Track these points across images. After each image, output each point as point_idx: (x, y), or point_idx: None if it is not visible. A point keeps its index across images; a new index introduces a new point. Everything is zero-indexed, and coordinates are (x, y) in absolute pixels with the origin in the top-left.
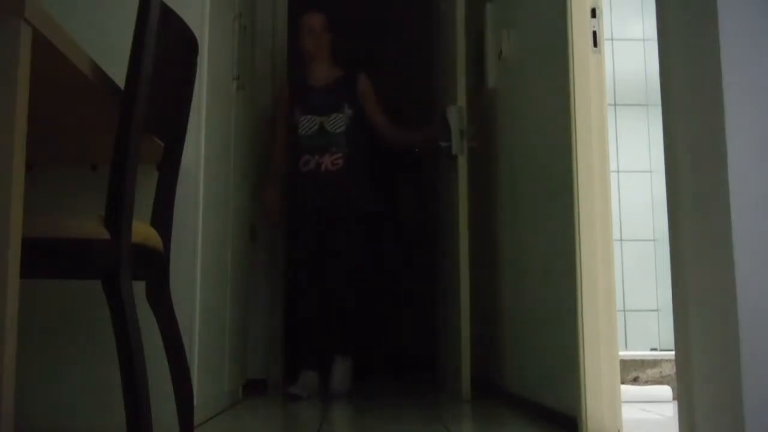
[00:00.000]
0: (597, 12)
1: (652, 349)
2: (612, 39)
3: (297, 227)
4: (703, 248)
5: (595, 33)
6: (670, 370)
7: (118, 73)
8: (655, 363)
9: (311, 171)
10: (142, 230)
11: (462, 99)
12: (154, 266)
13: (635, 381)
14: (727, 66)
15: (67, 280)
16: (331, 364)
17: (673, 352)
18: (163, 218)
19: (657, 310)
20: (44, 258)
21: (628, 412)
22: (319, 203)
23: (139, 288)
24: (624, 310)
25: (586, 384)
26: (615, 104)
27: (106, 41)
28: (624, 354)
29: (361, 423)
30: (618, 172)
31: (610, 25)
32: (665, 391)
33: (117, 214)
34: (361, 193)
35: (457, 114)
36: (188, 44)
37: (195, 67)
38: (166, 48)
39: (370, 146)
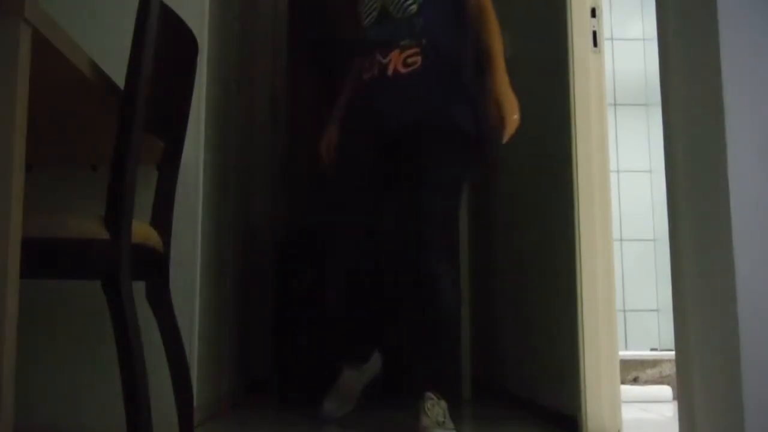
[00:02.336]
0: (597, 12)
1: (652, 349)
2: (612, 39)
3: (344, 166)
4: (703, 248)
5: (595, 33)
6: (670, 370)
7: (118, 73)
8: (655, 363)
9: (374, 79)
10: (142, 230)
11: None
12: (154, 266)
13: (635, 381)
14: (727, 66)
15: (67, 280)
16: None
17: (673, 352)
18: (163, 218)
19: (657, 310)
20: (44, 258)
21: (628, 412)
22: (385, 123)
23: (139, 288)
24: (624, 310)
25: (586, 384)
26: (615, 104)
27: (106, 41)
28: (624, 354)
29: (362, 423)
30: (618, 172)
31: (610, 25)
32: (665, 391)
33: (117, 214)
34: (454, 104)
35: None
36: (188, 44)
37: (195, 67)
38: (166, 48)
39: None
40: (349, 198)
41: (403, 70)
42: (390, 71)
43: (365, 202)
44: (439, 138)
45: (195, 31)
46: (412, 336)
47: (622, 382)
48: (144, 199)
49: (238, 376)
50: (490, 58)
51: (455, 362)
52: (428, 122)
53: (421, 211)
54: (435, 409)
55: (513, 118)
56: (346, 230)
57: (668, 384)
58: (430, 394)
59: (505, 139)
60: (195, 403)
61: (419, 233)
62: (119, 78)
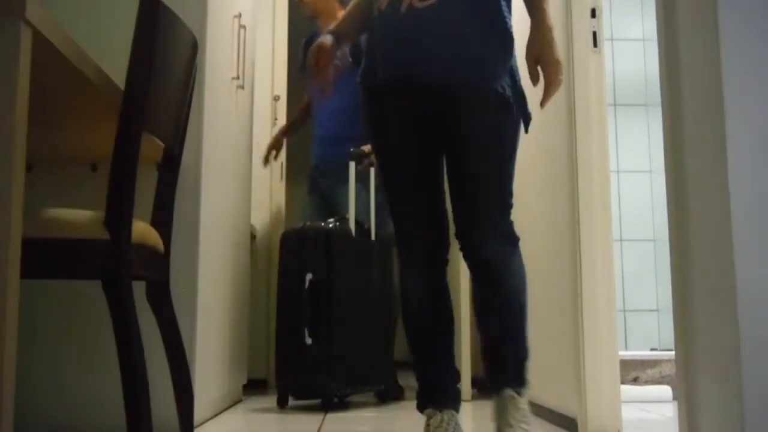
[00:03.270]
0: (597, 12)
1: (652, 349)
2: (612, 39)
3: (380, 126)
4: (703, 248)
5: (595, 33)
6: (670, 370)
7: (118, 73)
8: (655, 363)
9: (383, 16)
10: (142, 230)
11: None
12: (154, 266)
13: (635, 381)
14: (727, 66)
15: (67, 280)
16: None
17: (673, 352)
18: (163, 218)
19: (657, 310)
20: (44, 258)
21: (628, 412)
22: (403, 71)
23: (139, 288)
24: (624, 310)
25: (586, 384)
26: (615, 104)
27: (106, 41)
28: (624, 354)
29: (361, 422)
30: (618, 172)
31: (610, 25)
32: (665, 391)
33: (117, 214)
34: (484, 53)
35: None
36: (188, 44)
37: (195, 67)
38: (165, 48)
39: None
40: (393, 158)
41: (418, 4)
42: (403, 7)
43: (419, 178)
44: (473, 100)
45: (195, 31)
46: (485, 329)
47: (622, 382)
48: (144, 199)
49: (238, 376)
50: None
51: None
52: (454, 78)
53: (470, 192)
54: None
55: (557, 79)
56: (413, 217)
57: (668, 384)
58: (510, 392)
59: (545, 104)
60: (195, 403)
61: (473, 216)
62: (119, 78)
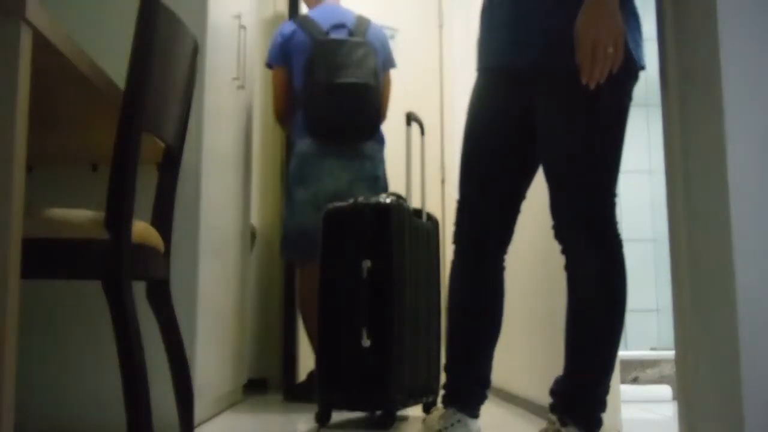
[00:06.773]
0: None
1: (652, 349)
2: None
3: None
4: (703, 248)
5: None
6: (670, 370)
7: (118, 73)
8: (655, 363)
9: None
10: (142, 230)
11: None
12: (154, 266)
13: (635, 381)
14: (727, 66)
15: (67, 280)
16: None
17: (673, 352)
18: (163, 218)
19: (657, 310)
20: (44, 258)
21: (628, 412)
22: (499, 57)
23: (139, 288)
24: None
25: None
26: None
27: (106, 41)
28: (624, 354)
29: (360, 422)
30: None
31: None
32: (665, 391)
33: (117, 214)
34: (561, 27)
35: None
36: (188, 45)
37: (195, 67)
38: (165, 48)
39: None
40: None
41: None
42: None
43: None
44: (548, 73)
45: (195, 31)
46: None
47: (622, 382)
48: (144, 199)
49: (238, 376)
50: None
51: (604, 382)
52: (521, 61)
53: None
54: None
55: (585, 58)
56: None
57: (668, 384)
58: (551, 417)
59: (584, 80)
60: (195, 403)
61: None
62: (119, 78)
